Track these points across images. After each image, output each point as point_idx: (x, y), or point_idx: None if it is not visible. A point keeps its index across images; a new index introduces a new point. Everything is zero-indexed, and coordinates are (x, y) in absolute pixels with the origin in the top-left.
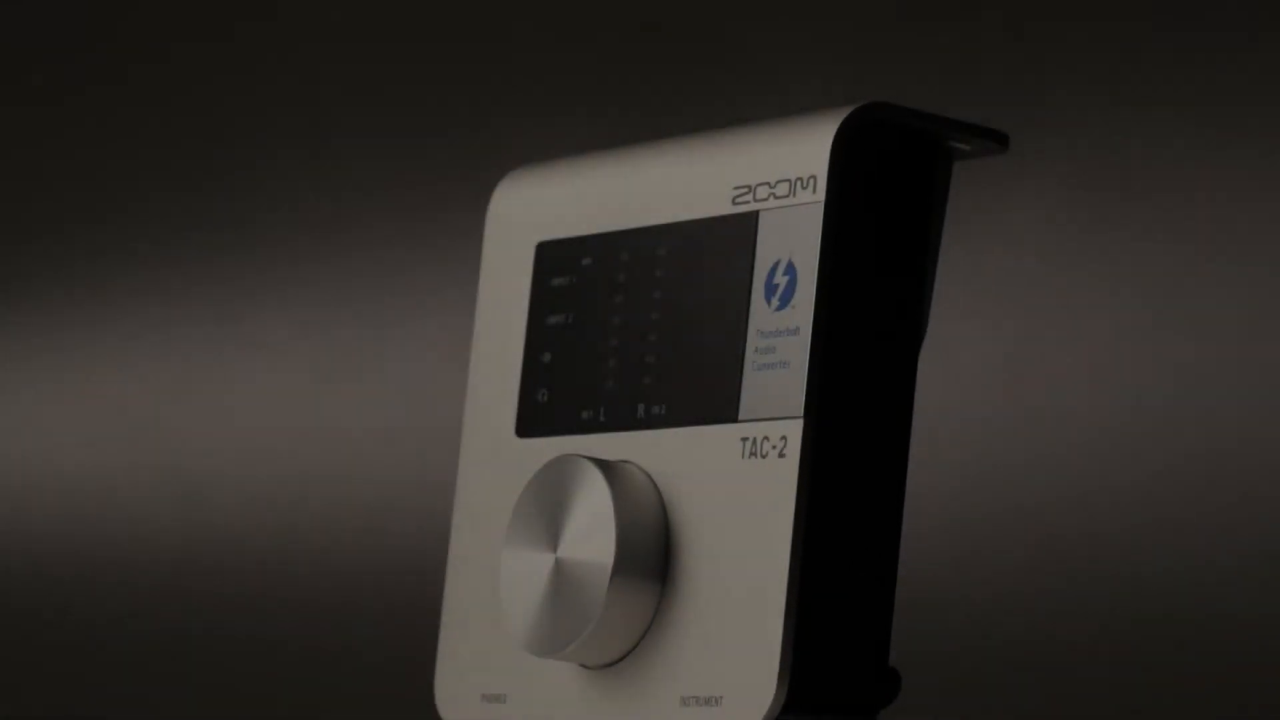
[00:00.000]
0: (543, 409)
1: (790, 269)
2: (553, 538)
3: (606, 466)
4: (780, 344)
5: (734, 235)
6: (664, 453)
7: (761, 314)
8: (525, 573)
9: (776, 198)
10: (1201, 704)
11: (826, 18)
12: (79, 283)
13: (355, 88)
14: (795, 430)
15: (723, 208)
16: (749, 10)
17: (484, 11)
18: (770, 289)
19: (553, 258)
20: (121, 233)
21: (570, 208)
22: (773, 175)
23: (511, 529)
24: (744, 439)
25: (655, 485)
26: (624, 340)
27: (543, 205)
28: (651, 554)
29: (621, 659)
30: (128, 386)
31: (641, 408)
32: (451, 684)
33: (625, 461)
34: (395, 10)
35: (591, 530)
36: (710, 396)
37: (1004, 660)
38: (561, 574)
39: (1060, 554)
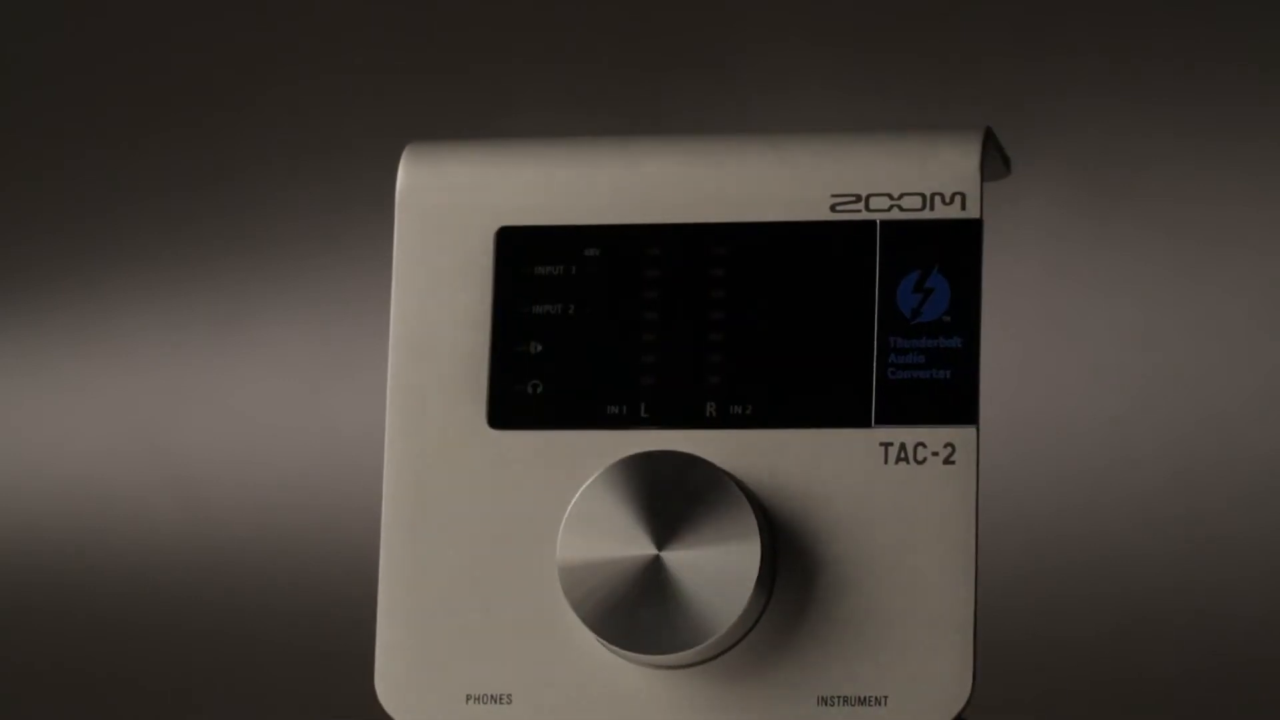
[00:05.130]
0: (532, 400)
1: (939, 280)
2: (634, 536)
3: (716, 467)
4: (932, 353)
5: (839, 242)
6: (752, 453)
7: (896, 322)
8: (603, 570)
9: (902, 210)
10: (1202, 704)
11: (827, 19)
12: (78, 282)
13: (359, 88)
14: (967, 437)
15: (816, 214)
16: (746, 9)
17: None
18: (909, 299)
19: (531, 245)
20: (121, 232)
21: (549, 196)
22: (895, 188)
23: (575, 526)
24: (884, 444)
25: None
26: (664, 337)
27: (501, 188)
28: (772, 554)
29: (704, 661)
30: (128, 386)
31: (711, 406)
32: (408, 684)
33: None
34: (400, 9)
35: (715, 529)
36: (821, 400)
37: (1003, 660)
38: (679, 573)
39: (1060, 555)
